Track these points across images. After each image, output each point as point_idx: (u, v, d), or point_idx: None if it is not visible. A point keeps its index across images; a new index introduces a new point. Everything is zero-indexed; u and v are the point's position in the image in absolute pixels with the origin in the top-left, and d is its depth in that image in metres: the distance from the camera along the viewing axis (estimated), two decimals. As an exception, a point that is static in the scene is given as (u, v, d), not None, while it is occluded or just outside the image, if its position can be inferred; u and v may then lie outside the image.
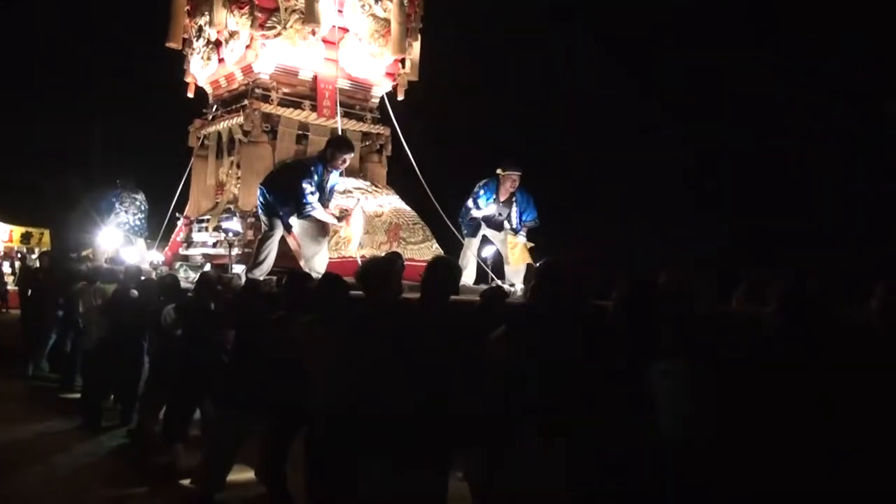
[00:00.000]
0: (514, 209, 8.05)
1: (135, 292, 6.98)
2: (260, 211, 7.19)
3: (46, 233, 20.73)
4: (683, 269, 3.67)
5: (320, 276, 6.29)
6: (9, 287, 15.92)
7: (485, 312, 4.28)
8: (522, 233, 8.00)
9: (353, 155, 7.70)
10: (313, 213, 6.93)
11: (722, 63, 15.12)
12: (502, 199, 8.05)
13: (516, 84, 16.44)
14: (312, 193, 6.94)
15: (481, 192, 8.01)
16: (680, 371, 2.94)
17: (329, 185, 7.28)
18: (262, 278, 6.75)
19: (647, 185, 15.36)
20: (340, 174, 7.50)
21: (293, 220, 7.02)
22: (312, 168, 7.04)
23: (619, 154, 15.60)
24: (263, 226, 7.18)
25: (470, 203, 8.09)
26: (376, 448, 3.43)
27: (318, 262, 6.96)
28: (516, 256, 7.90)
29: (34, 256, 17.76)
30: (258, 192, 7.18)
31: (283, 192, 6.97)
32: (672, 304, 3.15)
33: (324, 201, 7.16)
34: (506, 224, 8.08)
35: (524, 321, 3.35)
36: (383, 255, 6.29)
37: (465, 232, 8.21)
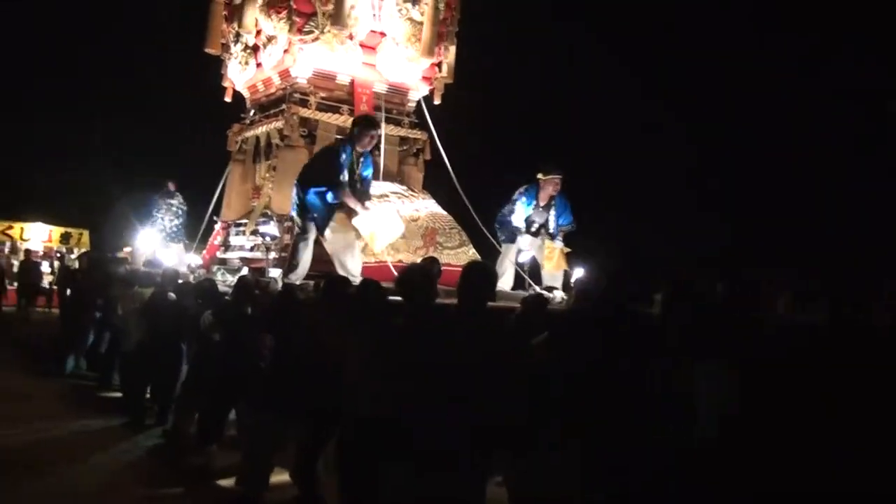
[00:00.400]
0: (553, 213, 7.93)
1: (172, 295, 7.02)
2: (294, 212, 7.11)
3: (85, 233, 21.09)
4: (739, 272, 3.59)
5: (356, 280, 6.31)
6: (52, 287, 16.18)
7: (524, 320, 4.20)
8: (559, 238, 7.87)
9: (380, 132, 7.53)
10: (343, 195, 6.77)
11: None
12: (542, 203, 7.93)
13: (553, 86, 16.36)
14: (341, 173, 6.80)
15: (522, 198, 7.88)
16: (723, 372, 2.86)
17: (362, 175, 7.10)
18: (298, 283, 6.73)
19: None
20: (372, 161, 7.37)
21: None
22: (340, 149, 6.93)
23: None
24: (296, 228, 7.11)
25: (508, 211, 7.96)
26: (408, 453, 3.38)
27: (351, 265, 6.91)
28: (554, 262, 7.79)
29: (73, 257, 18.07)
30: (293, 192, 7.11)
31: (315, 184, 6.83)
32: (717, 306, 3.07)
33: (357, 190, 6.97)
34: (543, 229, 7.96)
35: (566, 329, 3.28)
36: (420, 260, 6.23)
37: (503, 238, 8.09)
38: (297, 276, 6.83)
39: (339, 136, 8.36)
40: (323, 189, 6.79)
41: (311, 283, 6.54)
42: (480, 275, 3.63)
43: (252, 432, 5.19)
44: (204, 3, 9.59)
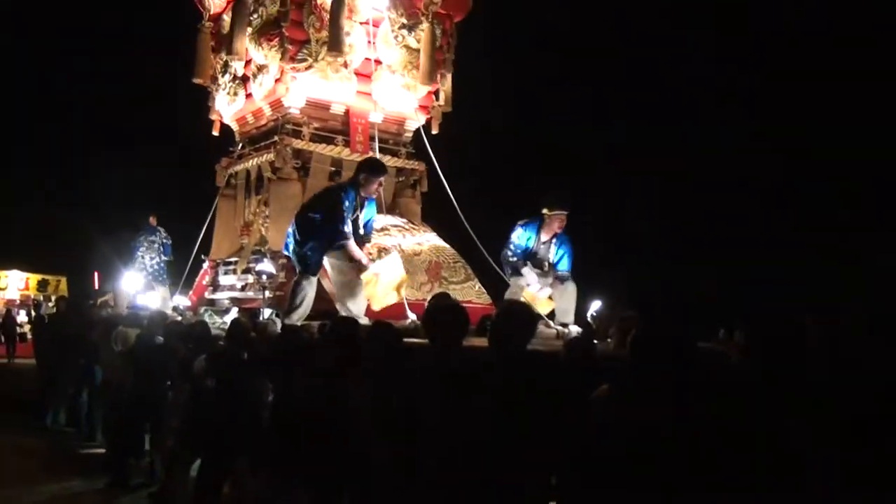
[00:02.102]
0: (552, 253, 7.05)
1: (160, 339, 6.52)
2: (289, 250, 6.62)
3: (63, 280, 20.43)
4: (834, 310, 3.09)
5: (359, 320, 5.82)
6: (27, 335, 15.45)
7: (571, 366, 3.74)
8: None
9: (386, 176, 7.10)
10: (346, 244, 6.33)
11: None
12: (543, 240, 7.05)
13: (557, 117, 16.15)
14: (343, 221, 6.32)
15: (519, 229, 7.08)
16: (834, 432, 2.37)
17: (365, 220, 6.68)
18: (299, 323, 6.24)
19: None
20: (377, 208, 6.98)
21: (325, 261, 6.50)
22: (343, 194, 6.42)
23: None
24: (296, 266, 6.65)
25: (509, 244, 7.30)
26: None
27: (353, 305, 6.42)
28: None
29: (50, 304, 17.30)
30: (289, 230, 6.66)
31: (312, 227, 6.40)
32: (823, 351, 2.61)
33: (360, 237, 6.55)
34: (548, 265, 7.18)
35: (633, 383, 2.79)
36: (430, 297, 5.78)
37: (509, 272, 7.53)
38: (299, 317, 6.32)
39: (334, 171, 7.96)
40: (323, 243, 6.35)
41: (316, 324, 6.02)
42: (523, 316, 3.18)
43: (252, 494, 4.69)
44: (191, 34, 9.26)
